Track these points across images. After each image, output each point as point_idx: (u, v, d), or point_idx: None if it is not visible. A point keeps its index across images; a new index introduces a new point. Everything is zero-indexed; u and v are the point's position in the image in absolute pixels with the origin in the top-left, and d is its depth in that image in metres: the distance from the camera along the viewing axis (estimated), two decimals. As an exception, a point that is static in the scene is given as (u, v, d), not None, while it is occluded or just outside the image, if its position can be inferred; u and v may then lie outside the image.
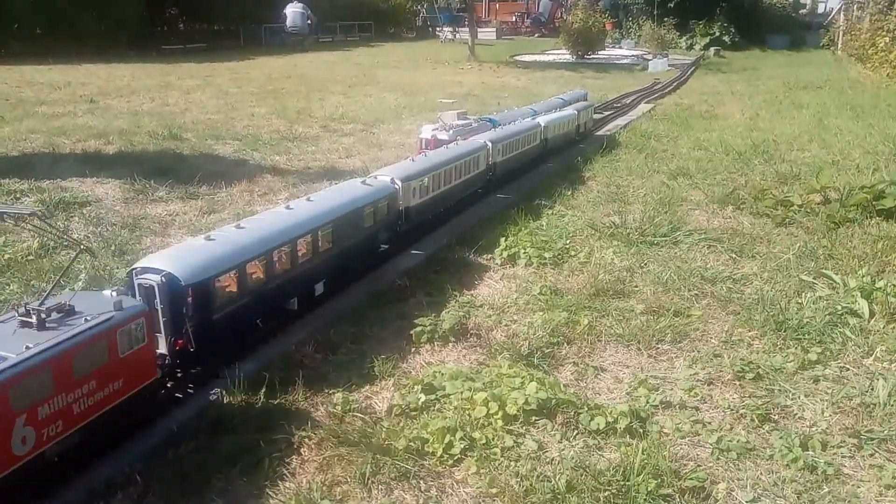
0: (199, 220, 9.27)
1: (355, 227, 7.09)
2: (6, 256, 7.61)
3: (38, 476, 3.94)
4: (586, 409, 4.94)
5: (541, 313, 6.57)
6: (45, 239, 7.96)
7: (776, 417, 5.02)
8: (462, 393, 5.06)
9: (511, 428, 4.75)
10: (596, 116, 19.83)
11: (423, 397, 5.05)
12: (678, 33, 45.67)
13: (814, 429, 4.87)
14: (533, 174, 12.59)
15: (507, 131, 11.68)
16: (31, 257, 7.65)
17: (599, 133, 17.17)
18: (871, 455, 4.58)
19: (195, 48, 39.68)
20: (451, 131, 11.30)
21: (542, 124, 13.09)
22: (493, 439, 4.62)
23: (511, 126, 12.14)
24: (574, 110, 15.25)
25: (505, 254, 8.16)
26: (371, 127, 16.60)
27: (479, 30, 47.14)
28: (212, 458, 4.46)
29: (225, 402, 5.06)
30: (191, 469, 4.35)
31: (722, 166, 12.77)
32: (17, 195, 9.89)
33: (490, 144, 10.59)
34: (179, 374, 5.15)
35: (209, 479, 4.29)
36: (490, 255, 8.24)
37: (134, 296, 4.84)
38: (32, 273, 7.22)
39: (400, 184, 8.07)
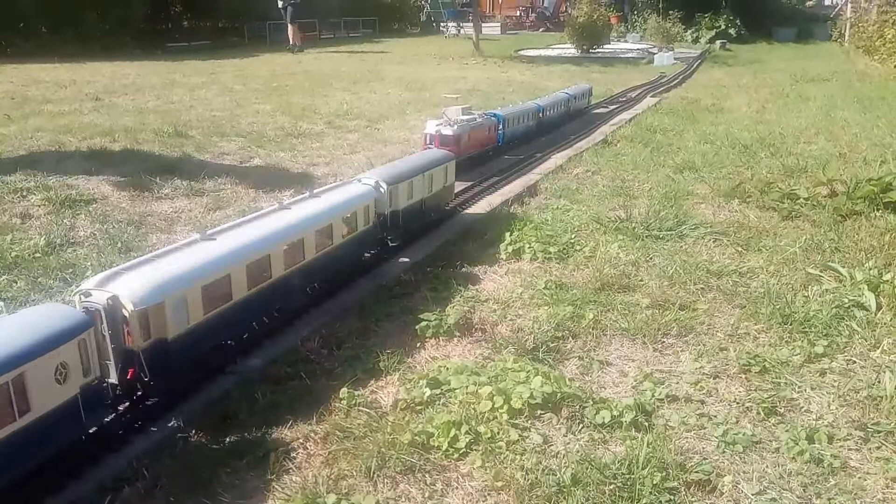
0: (204, 217, 9.29)
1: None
2: (13, 254, 7.64)
3: None
4: (591, 402, 4.94)
5: (546, 308, 6.56)
6: (52, 236, 7.99)
7: (782, 410, 5.01)
8: (467, 387, 5.06)
9: (516, 422, 4.76)
10: (601, 111, 19.72)
11: (428, 392, 5.06)
12: (683, 26, 45.52)
13: (820, 422, 4.85)
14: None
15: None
16: (37, 255, 7.69)
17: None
18: (878, 448, 4.57)
19: (200, 45, 39.70)
20: (455, 126, 11.29)
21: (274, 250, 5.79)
22: (498, 433, 4.61)
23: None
24: (378, 185, 7.43)
25: (510, 248, 8.14)
26: (376, 123, 16.59)
27: (483, 25, 47.08)
28: (219, 452, 4.49)
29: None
30: (198, 463, 4.38)
31: (728, 160, 12.71)
32: (24, 193, 9.92)
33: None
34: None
35: (216, 472, 4.31)
36: (495, 250, 8.24)
37: None
38: (39, 270, 7.26)
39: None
